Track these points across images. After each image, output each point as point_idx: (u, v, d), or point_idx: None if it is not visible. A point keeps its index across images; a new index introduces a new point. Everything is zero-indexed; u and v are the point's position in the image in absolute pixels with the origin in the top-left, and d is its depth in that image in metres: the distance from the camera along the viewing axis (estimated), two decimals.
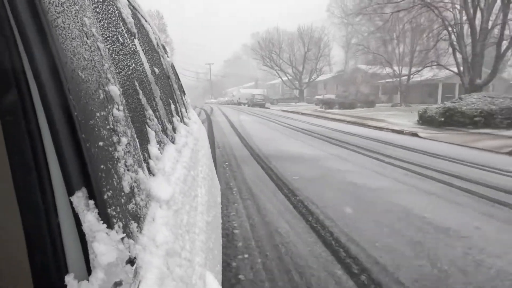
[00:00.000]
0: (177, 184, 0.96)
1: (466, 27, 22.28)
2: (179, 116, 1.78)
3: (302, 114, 27.81)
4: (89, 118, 0.53)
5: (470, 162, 7.69)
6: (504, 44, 19.77)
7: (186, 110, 2.39)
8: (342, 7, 62.80)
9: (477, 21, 21.00)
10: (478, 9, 20.91)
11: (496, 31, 20.75)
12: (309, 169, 6.84)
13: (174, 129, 1.45)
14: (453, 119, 14.66)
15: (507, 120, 13.48)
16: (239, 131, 14.26)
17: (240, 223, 3.95)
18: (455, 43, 22.34)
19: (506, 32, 19.60)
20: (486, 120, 13.65)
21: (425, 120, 16.17)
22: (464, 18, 21.90)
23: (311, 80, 55.48)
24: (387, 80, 38.16)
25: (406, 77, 34.84)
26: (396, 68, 35.56)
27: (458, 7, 22.47)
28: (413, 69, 33.85)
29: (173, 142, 1.28)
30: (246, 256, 3.15)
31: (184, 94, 2.85)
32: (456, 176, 6.33)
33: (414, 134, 13.44)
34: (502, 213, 4.39)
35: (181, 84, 2.88)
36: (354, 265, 3.00)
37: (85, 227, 0.47)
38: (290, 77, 56.56)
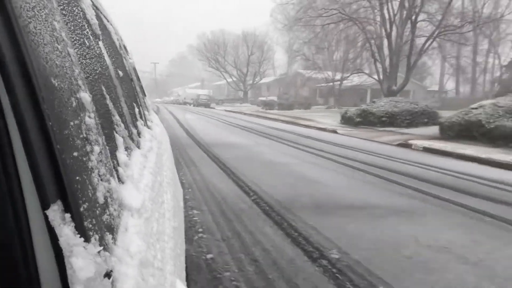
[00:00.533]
0: (146, 191, 0.96)
1: (385, 41, 25.75)
2: (143, 120, 1.77)
3: (244, 114, 30.02)
4: (64, 127, 0.52)
5: (364, 150, 10.18)
6: (413, 58, 23.46)
7: (148, 112, 2.40)
8: (285, 14, 66.22)
9: (394, 36, 24.50)
10: (394, 26, 24.40)
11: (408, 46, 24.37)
12: (239, 152, 8.90)
13: (139, 134, 1.45)
14: (367, 119, 17.55)
15: (406, 120, 16.56)
16: (185, 126, 16.05)
17: (187, 179, 5.86)
18: (376, 54, 25.72)
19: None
20: (391, 120, 16.65)
21: (346, 120, 18.99)
22: (384, 33, 25.35)
23: (255, 82, 58.12)
24: (322, 85, 41.61)
25: (339, 82, 38.41)
26: (330, 73, 39.05)
27: (379, 22, 25.90)
28: (345, 75, 37.49)
29: (138, 147, 1.28)
30: (189, 190, 5.11)
31: (145, 95, 2.80)
32: (346, 157, 8.70)
33: (334, 131, 16.06)
34: (360, 175, 6.69)
35: (142, 86, 2.84)
36: (252, 194, 5.03)
37: (62, 242, 0.45)
38: (235, 79, 58.71)
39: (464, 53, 41.47)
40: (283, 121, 21.74)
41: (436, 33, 22.90)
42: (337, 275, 2.73)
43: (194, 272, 2.68)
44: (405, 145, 11.83)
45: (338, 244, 3.30)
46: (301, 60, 51.10)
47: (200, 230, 3.61)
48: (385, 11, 24.01)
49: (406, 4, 23.29)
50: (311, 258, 3.02)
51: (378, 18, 25.63)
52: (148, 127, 1.89)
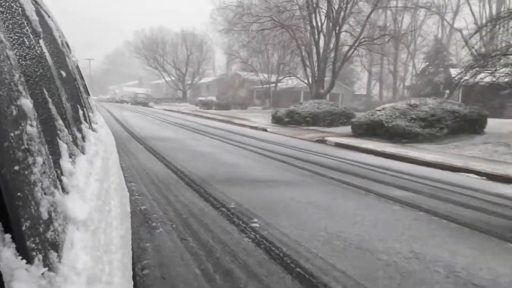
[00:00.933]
0: (92, 200, 0.93)
1: (314, 48, 28.03)
2: (87, 122, 1.71)
3: (182, 113, 30.82)
4: (3, 139, 0.48)
5: (285, 144, 11.74)
6: (337, 65, 25.97)
7: (93, 113, 2.32)
8: (224, 16, 67.49)
9: (322, 44, 26.83)
10: (322, 35, 26.73)
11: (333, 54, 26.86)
12: (172, 144, 10.00)
13: (83, 138, 1.39)
14: (294, 119, 19.38)
15: (327, 120, 18.62)
16: (122, 122, 16.69)
17: (126, 163, 6.87)
18: (306, 60, 27.91)
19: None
20: (314, 120, 18.61)
21: (276, 119, 20.70)
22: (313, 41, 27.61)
23: (194, 82, 58.67)
24: (259, 86, 43.52)
25: (274, 84, 40.55)
26: (266, 76, 41.07)
27: (309, 31, 28.14)
28: (280, 78, 39.72)
29: (83, 153, 1.23)
30: (128, 171, 6.18)
31: (89, 95, 2.70)
32: (266, 149, 10.15)
33: (264, 129, 17.64)
34: (272, 162, 8.13)
35: (86, 85, 2.68)
36: (179, 173, 6.20)
37: (2, 266, 0.42)
38: (174, 78, 58.79)
39: (386, 61, 45.82)
40: (218, 120, 22.98)
41: (357, 43, 25.58)
42: (230, 215, 4.03)
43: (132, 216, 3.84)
44: (322, 141, 13.66)
45: (237, 200, 4.61)
46: (240, 62, 52.96)
47: (136, 194, 4.73)
48: (314, 21, 26.25)
49: (333, 16, 25.71)
50: (215, 207, 4.30)
51: (309, 27, 27.89)
52: (93, 130, 1.87)
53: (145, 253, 2.95)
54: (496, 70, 10.61)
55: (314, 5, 25.49)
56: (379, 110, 14.40)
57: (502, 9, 35.58)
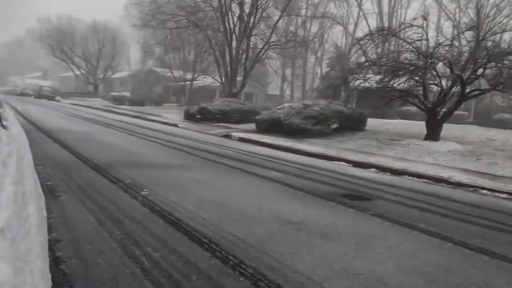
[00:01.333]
0: (9, 206, 0.83)
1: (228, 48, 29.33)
2: None
3: (93, 108, 29.96)
4: None
5: (192, 138, 12.72)
6: (249, 66, 27.62)
7: (3, 109, 2.03)
8: (140, 9, 65.79)
9: (234, 46, 28.21)
10: (234, 36, 28.12)
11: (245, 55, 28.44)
12: (78, 136, 10.42)
13: None
14: (205, 116, 20.40)
15: (236, 117, 19.99)
16: (26, 116, 16.18)
17: (32, 152, 7.29)
18: (220, 59, 29.08)
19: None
20: (224, 117, 19.85)
21: (189, 116, 21.53)
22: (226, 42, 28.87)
23: (106, 76, 56.45)
24: (174, 83, 43.71)
25: (189, 82, 41.12)
26: (182, 73, 41.46)
27: (222, 32, 29.35)
28: (195, 76, 40.45)
29: None
30: (35, 159, 6.67)
31: None
32: (171, 141, 11.04)
33: (175, 125, 18.38)
34: (171, 151, 9.06)
35: None
36: (83, 159, 6.86)
37: None
38: (84, 72, 55.90)
39: (297, 64, 49.21)
40: (130, 116, 23.08)
41: (266, 46, 27.50)
42: (125, 187, 4.96)
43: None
44: (227, 136, 14.89)
45: (134, 178, 5.53)
46: (156, 58, 52.35)
47: (43, 174, 5.36)
48: (227, 23, 27.52)
49: (244, 20, 27.26)
50: (113, 183, 5.18)
51: (222, 28, 29.10)
52: (5, 127, 1.58)
53: (50, 211, 3.75)
54: (369, 78, 12.83)
55: (227, 8, 26.78)
56: (279, 109, 16.10)
57: (394, 23, 40.73)
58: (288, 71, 53.00)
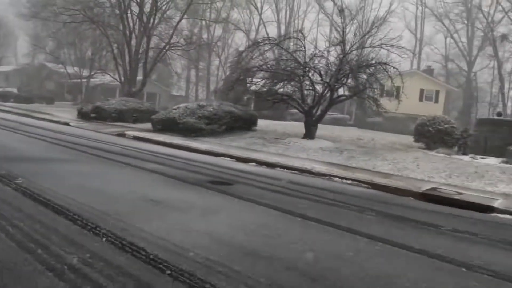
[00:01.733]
0: None
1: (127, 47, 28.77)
2: None
3: None
4: None
5: (83, 136, 12.63)
6: (148, 65, 27.54)
7: None
8: None
9: (134, 45, 27.80)
10: (134, 35, 27.73)
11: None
12: None
13: None
14: (100, 115, 19.98)
15: (133, 117, 19.99)
16: None
17: None
18: (118, 58, 28.39)
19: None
20: (120, 116, 19.70)
21: (82, 114, 20.84)
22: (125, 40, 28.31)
23: None
24: (69, 80, 41.13)
25: (85, 79, 39.11)
26: (77, 69, 39.22)
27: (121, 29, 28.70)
28: (92, 73, 38.59)
29: None
30: None
31: None
32: (58, 139, 10.94)
33: (66, 124, 17.74)
34: (58, 148, 9.14)
35: None
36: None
37: None
38: None
39: (202, 66, 49.93)
40: (15, 114, 21.48)
41: (167, 47, 27.71)
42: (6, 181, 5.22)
43: None
44: (122, 134, 15.00)
45: (10, 170, 5.74)
46: (48, 53, 48.45)
47: None
48: (126, 21, 27.03)
49: (144, 19, 27.09)
50: None
51: (121, 26, 28.45)
52: None
53: None
54: (256, 82, 14.17)
55: (126, 6, 26.36)
56: (175, 109, 16.68)
57: (292, 30, 43.82)
58: (193, 73, 53.47)
